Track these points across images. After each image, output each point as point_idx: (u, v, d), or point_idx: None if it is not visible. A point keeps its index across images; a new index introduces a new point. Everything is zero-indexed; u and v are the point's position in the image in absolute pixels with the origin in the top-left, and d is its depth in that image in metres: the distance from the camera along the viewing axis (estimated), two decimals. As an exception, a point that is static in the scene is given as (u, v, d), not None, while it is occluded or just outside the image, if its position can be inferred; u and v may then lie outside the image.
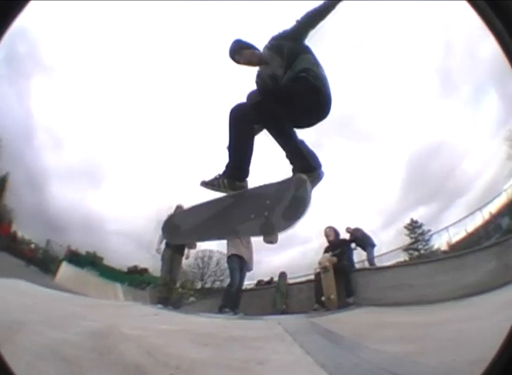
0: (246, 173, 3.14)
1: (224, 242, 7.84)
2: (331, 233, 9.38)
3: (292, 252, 9.86)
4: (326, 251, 9.21)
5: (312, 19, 3.12)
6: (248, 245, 7.89)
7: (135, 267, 8.98)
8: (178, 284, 8.49)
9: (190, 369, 2.97)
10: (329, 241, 9.31)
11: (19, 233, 7.50)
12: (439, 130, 8.58)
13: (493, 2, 1.39)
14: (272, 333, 4.69)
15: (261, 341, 4.18)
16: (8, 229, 7.29)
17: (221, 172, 3.16)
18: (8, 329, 2.84)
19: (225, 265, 9.06)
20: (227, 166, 3.14)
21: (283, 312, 9.07)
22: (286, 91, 3.09)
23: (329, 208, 9.60)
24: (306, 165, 2.98)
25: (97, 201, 8.35)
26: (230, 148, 3.14)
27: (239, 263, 7.72)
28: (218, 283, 10.14)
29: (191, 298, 8.67)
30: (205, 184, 3.18)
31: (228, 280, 8.30)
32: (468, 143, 8.19)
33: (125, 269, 9.03)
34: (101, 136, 8.51)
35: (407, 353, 3.38)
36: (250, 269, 8.08)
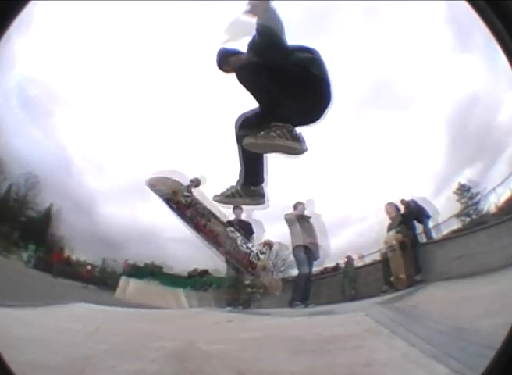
0: (260, 179, 3.15)
1: (284, 232, 7.57)
2: (392, 209, 8.66)
3: (349, 233, 9.41)
4: (390, 228, 8.53)
5: (267, 29, 2.74)
6: (312, 233, 7.54)
7: (195, 270, 8.91)
8: (246, 283, 8.28)
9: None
10: (391, 218, 8.61)
11: (75, 257, 7.66)
12: (469, 83, 7.77)
13: (493, 2, 1.39)
14: (363, 328, 4.12)
15: (356, 339, 3.68)
16: (61, 256, 7.45)
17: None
18: (72, 369, 2.41)
19: (285, 255, 8.97)
20: (240, 175, 3.15)
21: (353, 298, 8.63)
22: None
23: (378, 184, 8.97)
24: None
25: (149, 213, 8.22)
26: (241, 157, 3.11)
27: (305, 253, 7.41)
28: (279, 274, 9.72)
29: (258, 296, 8.39)
30: (220, 197, 3.21)
31: (290, 271, 8.39)
32: (498, 93, 7.31)
33: (185, 274, 8.95)
34: (140, 151, 8.38)
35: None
36: (316, 258, 7.72)
